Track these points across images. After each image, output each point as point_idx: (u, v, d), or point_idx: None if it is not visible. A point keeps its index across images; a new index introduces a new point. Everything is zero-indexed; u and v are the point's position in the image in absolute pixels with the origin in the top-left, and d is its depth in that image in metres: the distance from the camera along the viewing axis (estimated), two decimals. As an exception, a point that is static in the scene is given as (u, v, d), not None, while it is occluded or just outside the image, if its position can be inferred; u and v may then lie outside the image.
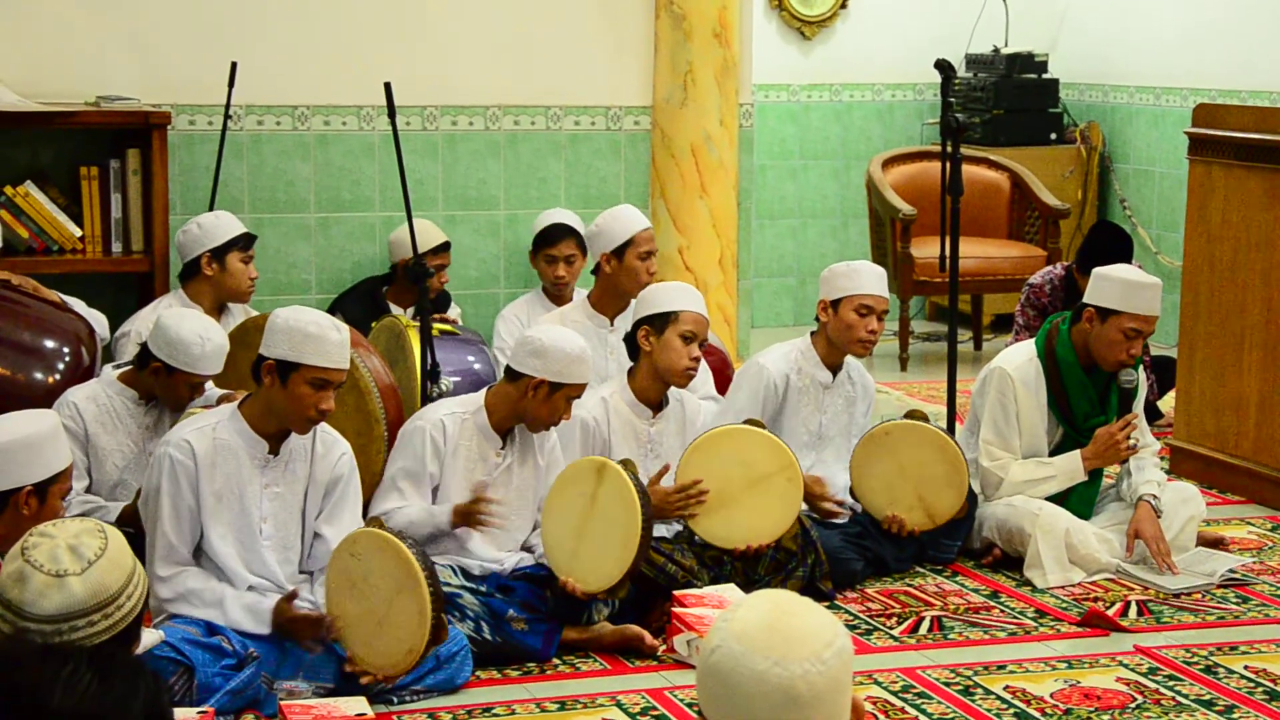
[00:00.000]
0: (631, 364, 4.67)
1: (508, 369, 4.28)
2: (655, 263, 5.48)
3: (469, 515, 4.15)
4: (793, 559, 4.54)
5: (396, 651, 3.74)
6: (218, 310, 5.40)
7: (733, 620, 1.93)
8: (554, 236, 6.00)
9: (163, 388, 4.43)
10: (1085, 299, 4.87)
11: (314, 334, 3.79)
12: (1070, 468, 4.88)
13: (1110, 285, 4.81)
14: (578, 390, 4.23)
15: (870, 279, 4.88)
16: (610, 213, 5.56)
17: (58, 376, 4.75)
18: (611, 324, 5.36)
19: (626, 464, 4.15)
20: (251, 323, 5.11)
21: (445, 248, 6.05)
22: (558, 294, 6.00)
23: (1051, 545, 4.75)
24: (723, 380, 5.37)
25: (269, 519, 3.90)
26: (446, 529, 4.17)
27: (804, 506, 4.77)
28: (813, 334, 4.99)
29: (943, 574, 4.85)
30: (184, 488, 3.81)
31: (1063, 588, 4.70)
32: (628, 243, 5.37)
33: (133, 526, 4.14)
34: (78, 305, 5.10)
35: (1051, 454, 4.97)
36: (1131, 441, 4.84)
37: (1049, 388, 4.92)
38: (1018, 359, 4.96)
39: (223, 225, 5.40)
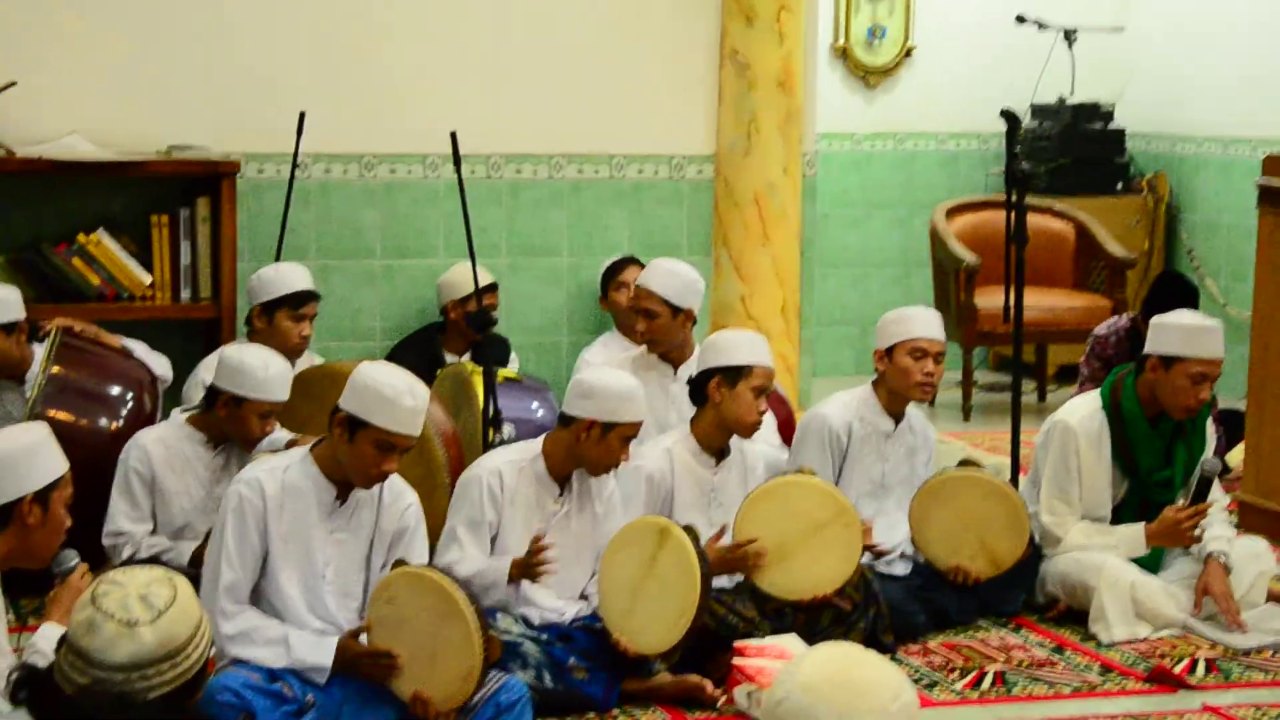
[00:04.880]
0: (693, 411, 4.67)
1: (561, 414, 4.29)
2: (634, 292, 5.40)
3: (527, 567, 4.15)
4: (855, 611, 4.51)
5: (454, 679, 3.72)
6: None
7: (799, 672, 1.93)
8: (619, 266, 6.18)
9: (233, 422, 4.47)
10: (1147, 348, 4.84)
11: (388, 397, 3.79)
12: (1133, 540, 4.82)
13: (1170, 332, 4.78)
14: (632, 429, 4.22)
15: (921, 322, 4.88)
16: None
17: (120, 423, 4.81)
18: (675, 373, 5.35)
19: (690, 530, 4.12)
20: (313, 371, 5.15)
21: (492, 288, 6.08)
22: (629, 327, 6.04)
23: (1117, 599, 4.70)
24: (787, 430, 5.36)
25: (331, 564, 3.92)
26: (504, 581, 4.17)
27: (888, 557, 4.76)
28: (874, 383, 4.98)
29: (1006, 627, 4.80)
30: (250, 526, 3.84)
31: (1128, 643, 4.65)
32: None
33: (200, 567, 4.17)
34: (140, 348, 5.16)
35: (1115, 509, 4.92)
36: (1197, 532, 4.77)
37: (1114, 441, 4.87)
38: (1082, 412, 4.92)
39: (278, 281, 5.36)
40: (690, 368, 4.95)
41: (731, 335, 4.79)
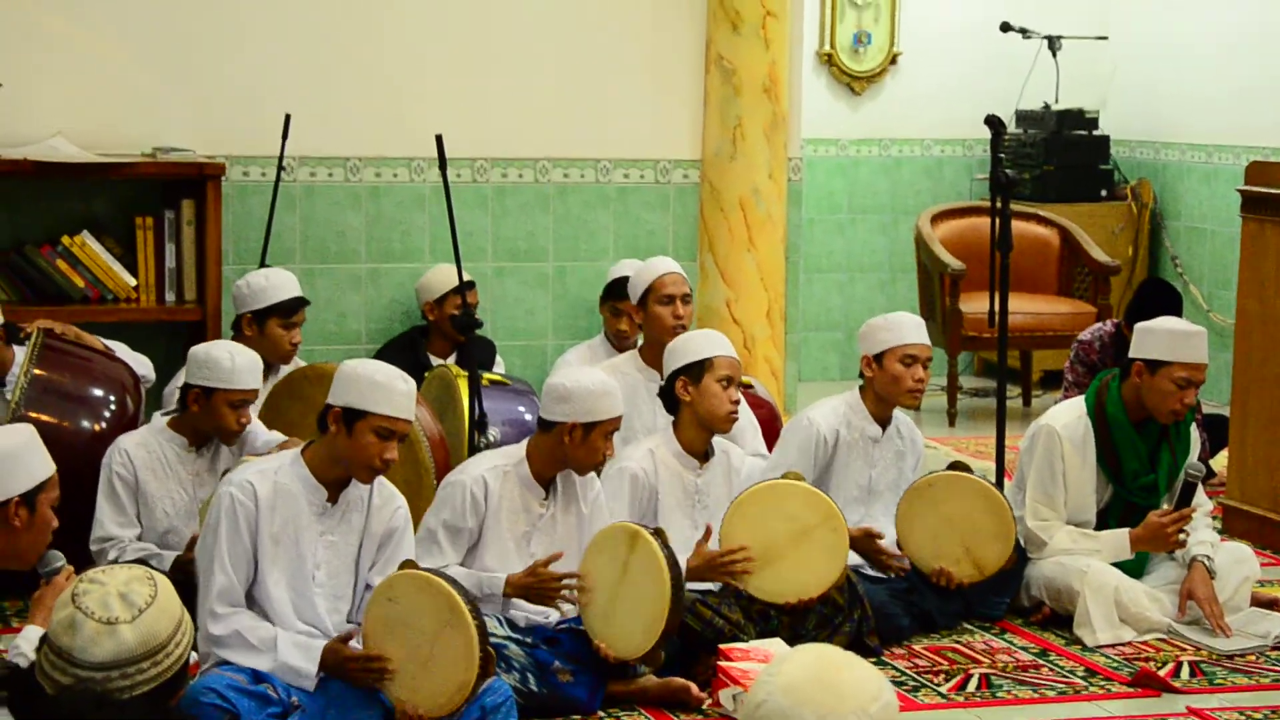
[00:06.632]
0: (673, 416, 4.67)
1: (540, 420, 4.29)
2: (684, 306, 5.42)
3: (529, 589, 4.13)
4: (839, 614, 4.51)
5: (446, 689, 3.71)
6: (264, 367, 5.40)
7: (779, 674, 1.93)
8: (620, 290, 5.99)
9: (206, 416, 4.47)
10: (1131, 354, 4.85)
11: (382, 383, 3.82)
12: (1116, 545, 4.83)
13: (1155, 337, 4.80)
14: (613, 424, 4.23)
15: (911, 328, 4.89)
16: (638, 265, 5.65)
17: (104, 424, 4.79)
18: (661, 376, 5.35)
19: (659, 533, 4.13)
20: (299, 373, 5.15)
21: (470, 285, 6.05)
22: (620, 346, 6.00)
23: (1101, 603, 4.70)
24: (771, 433, 5.36)
25: (322, 566, 3.91)
26: (497, 597, 4.16)
27: (860, 560, 4.76)
28: (860, 388, 4.98)
29: (991, 631, 4.80)
30: (242, 528, 3.83)
31: (1113, 646, 4.65)
32: (648, 291, 5.46)
33: (185, 574, 4.15)
34: (122, 349, 5.16)
35: (1100, 513, 4.93)
36: (1181, 537, 4.78)
37: (1098, 446, 4.88)
38: (1067, 417, 4.93)
39: (269, 289, 5.36)
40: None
41: (688, 335, 4.83)
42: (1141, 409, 4.84)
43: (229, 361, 4.44)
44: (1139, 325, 4.92)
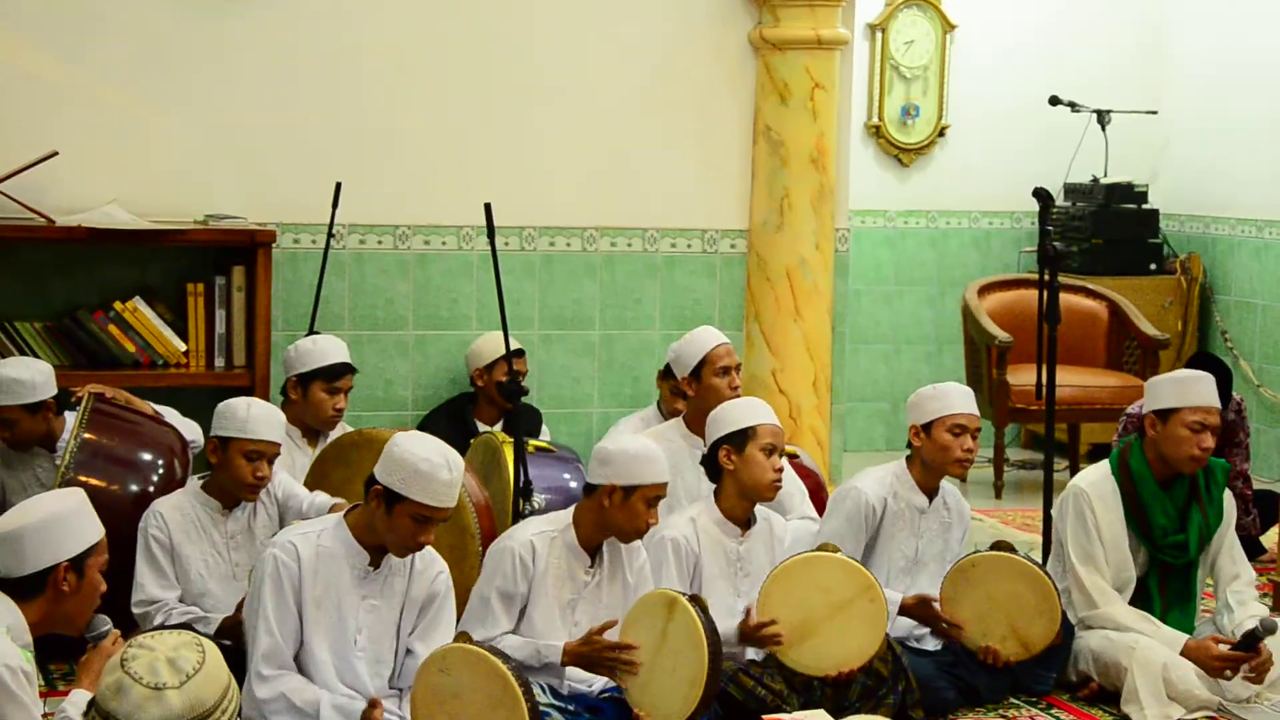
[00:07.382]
0: (715, 484, 4.67)
1: (585, 484, 4.29)
2: (738, 377, 5.43)
3: (585, 658, 4.11)
4: (883, 685, 4.48)
5: None
6: (311, 432, 5.44)
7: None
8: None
9: (223, 468, 4.48)
10: (1143, 409, 4.88)
11: (424, 471, 3.82)
12: (1172, 644, 4.74)
13: (1162, 387, 4.87)
14: (654, 490, 4.22)
15: (960, 399, 4.88)
16: (686, 336, 5.60)
17: (152, 488, 4.83)
18: (706, 445, 5.35)
19: (696, 599, 4.12)
20: (347, 438, 5.17)
21: (520, 353, 6.07)
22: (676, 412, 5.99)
23: (1149, 680, 4.65)
24: (816, 504, 5.34)
25: (364, 630, 3.92)
26: (555, 666, 4.15)
27: (906, 633, 4.72)
28: (907, 459, 4.96)
29: (1038, 706, 4.75)
30: (286, 589, 3.85)
31: (1161, 724, 4.59)
32: (702, 362, 5.40)
33: (231, 639, 4.17)
34: (171, 414, 5.20)
35: (1140, 579, 4.90)
36: (1228, 674, 4.68)
37: (1126, 504, 4.87)
38: (1092, 476, 4.97)
39: (315, 353, 5.41)
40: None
41: (730, 404, 4.82)
42: (1164, 464, 4.84)
43: (244, 410, 4.48)
44: (1148, 381, 4.98)
